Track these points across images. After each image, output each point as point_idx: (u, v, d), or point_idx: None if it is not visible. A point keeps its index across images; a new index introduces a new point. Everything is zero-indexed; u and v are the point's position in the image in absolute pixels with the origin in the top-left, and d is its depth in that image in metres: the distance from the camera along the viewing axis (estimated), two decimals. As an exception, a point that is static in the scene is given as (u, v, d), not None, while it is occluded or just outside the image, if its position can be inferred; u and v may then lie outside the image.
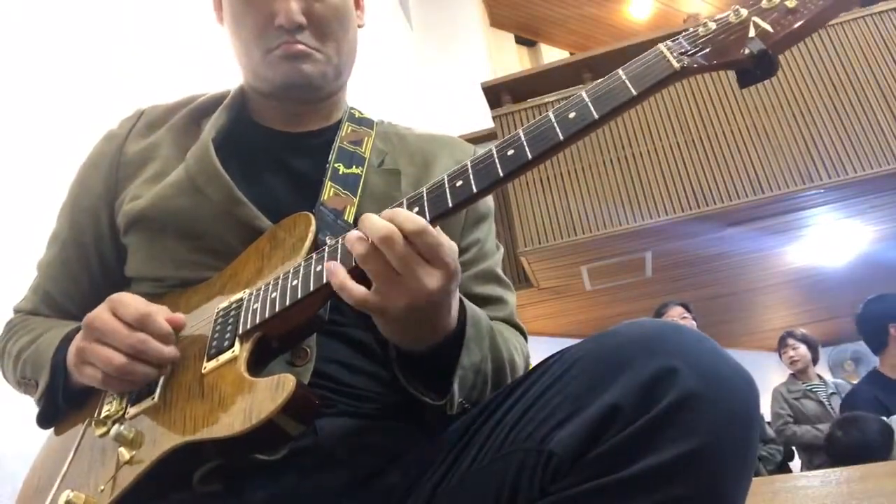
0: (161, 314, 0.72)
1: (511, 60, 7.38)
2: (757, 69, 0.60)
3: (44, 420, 0.82)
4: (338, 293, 0.65)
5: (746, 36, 0.60)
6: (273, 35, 0.85)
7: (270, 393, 0.62)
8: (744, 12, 0.62)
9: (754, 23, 0.60)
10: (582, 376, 0.57)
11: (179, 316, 0.74)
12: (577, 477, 0.53)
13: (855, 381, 4.39)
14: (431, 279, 0.63)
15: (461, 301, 0.72)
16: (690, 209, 3.92)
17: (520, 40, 7.88)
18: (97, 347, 0.70)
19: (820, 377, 4.14)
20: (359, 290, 0.64)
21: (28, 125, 1.54)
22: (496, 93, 4.53)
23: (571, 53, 7.13)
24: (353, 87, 0.98)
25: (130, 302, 0.72)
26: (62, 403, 0.79)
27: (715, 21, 0.63)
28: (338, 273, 0.65)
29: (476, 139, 4.64)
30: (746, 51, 0.59)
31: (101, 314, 0.71)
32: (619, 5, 7.48)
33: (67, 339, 0.79)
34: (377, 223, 0.63)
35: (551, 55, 7.60)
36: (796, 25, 0.59)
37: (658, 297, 4.71)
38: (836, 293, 5.49)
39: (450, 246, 0.64)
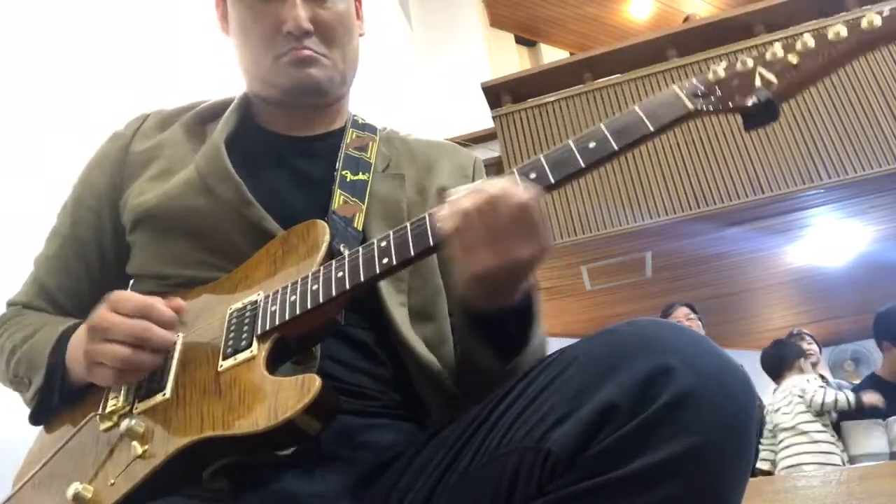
0: (160, 302, 0.74)
1: (511, 60, 7.38)
2: (762, 114, 0.65)
3: (36, 418, 0.83)
4: (438, 221, 0.66)
5: (753, 84, 0.65)
6: (281, 42, 0.87)
7: (296, 392, 0.63)
8: (750, 62, 0.66)
9: (759, 73, 0.65)
10: (579, 375, 0.58)
11: (179, 301, 0.77)
12: (575, 475, 0.53)
13: (856, 382, 4.39)
14: (523, 250, 0.64)
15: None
16: (690, 209, 3.93)
17: (520, 40, 7.88)
18: (103, 346, 0.71)
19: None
20: (454, 221, 0.65)
21: (32, 126, 1.54)
22: (496, 93, 4.53)
23: (571, 53, 7.13)
24: (353, 87, 0.99)
25: (129, 297, 0.74)
26: (57, 402, 0.80)
27: (723, 68, 0.67)
28: (443, 209, 0.66)
29: (476, 139, 4.64)
30: (753, 99, 0.64)
31: (101, 313, 0.73)
32: (619, 5, 7.48)
33: (64, 337, 0.80)
34: (496, 182, 0.65)
35: (551, 55, 7.60)
36: (798, 80, 0.64)
37: (658, 298, 4.73)
38: (836, 293, 5.49)
39: (546, 228, 0.66)
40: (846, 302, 5.65)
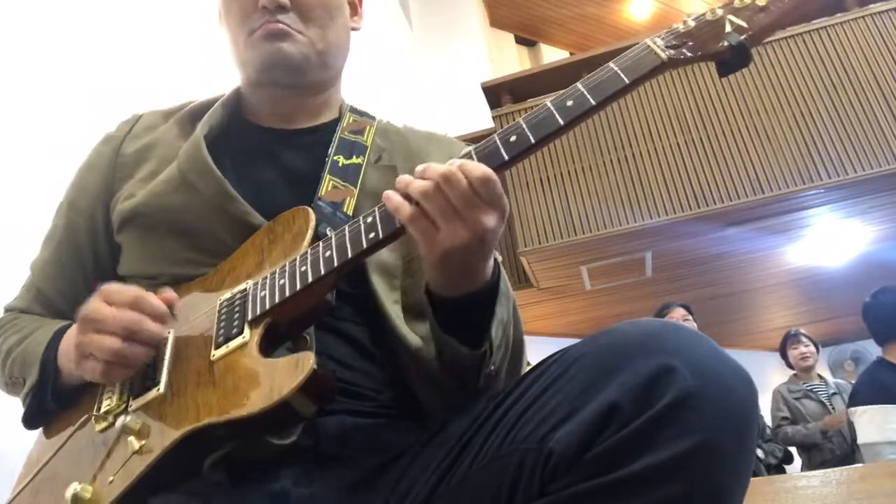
0: (152, 295, 0.73)
1: (511, 60, 7.38)
2: (734, 59, 0.68)
3: (29, 419, 0.81)
4: (392, 212, 0.68)
5: (724, 31, 0.68)
6: (256, 17, 0.88)
7: (290, 371, 0.63)
8: (719, 11, 0.69)
9: (729, 20, 0.68)
10: (581, 375, 0.57)
11: (170, 293, 0.76)
12: (577, 476, 0.53)
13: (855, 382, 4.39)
14: (489, 218, 0.66)
15: (494, 259, 0.74)
16: (690, 209, 3.92)
17: (520, 40, 7.89)
18: (94, 337, 0.70)
19: (821, 377, 4.15)
20: (410, 208, 0.66)
21: (26, 128, 1.54)
22: (496, 93, 4.53)
23: (571, 53, 7.14)
24: (353, 87, 0.99)
25: (122, 289, 0.73)
26: (51, 403, 0.79)
27: (694, 20, 0.70)
28: (393, 197, 0.68)
29: (476, 139, 4.61)
30: (725, 43, 0.67)
31: (94, 304, 0.72)
32: (619, 5, 7.48)
33: (57, 336, 0.80)
34: (439, 166, 0.66)
35: (551, 55, 7.60)
36: (767, 21, 0.68)
37: (658, 297, 4.72)
38: (836, 293, 5.50)
39: (504, 197, 0.68)
40: (846, 302, 5.64)
